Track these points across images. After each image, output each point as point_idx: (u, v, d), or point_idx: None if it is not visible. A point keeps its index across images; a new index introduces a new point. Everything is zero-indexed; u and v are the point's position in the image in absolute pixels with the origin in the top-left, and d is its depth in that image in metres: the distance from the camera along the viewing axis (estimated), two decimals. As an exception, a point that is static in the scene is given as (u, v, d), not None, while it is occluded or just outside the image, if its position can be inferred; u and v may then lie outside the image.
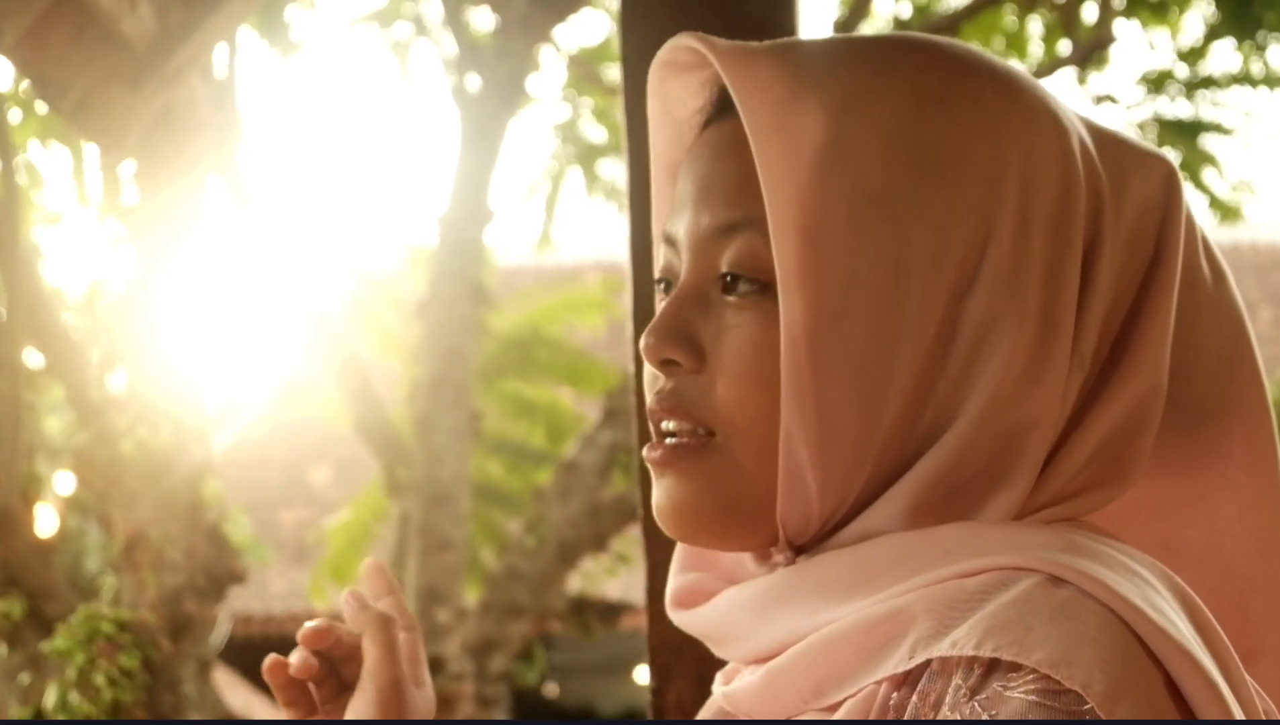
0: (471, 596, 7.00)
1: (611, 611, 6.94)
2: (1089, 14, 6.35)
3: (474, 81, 6.87)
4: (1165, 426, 0.93)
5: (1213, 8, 6.19)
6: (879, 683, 0.82)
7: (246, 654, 10.03)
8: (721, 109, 0.95)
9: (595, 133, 8.39)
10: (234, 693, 8.17)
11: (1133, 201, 0.92)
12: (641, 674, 14.14)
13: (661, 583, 1.67)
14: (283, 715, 1.02)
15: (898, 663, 0.81)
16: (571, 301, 8.68)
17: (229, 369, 6.73)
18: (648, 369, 0.93)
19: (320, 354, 6.65)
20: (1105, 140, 0.93)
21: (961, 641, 0.78)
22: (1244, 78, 6.30)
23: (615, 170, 8.45)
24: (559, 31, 7.19)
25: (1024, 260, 0.86)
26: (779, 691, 0.87)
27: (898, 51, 0.90)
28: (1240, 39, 6.14)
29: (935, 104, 0.88)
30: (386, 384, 7.68)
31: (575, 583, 7.03)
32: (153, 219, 4.68)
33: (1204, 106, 6.39)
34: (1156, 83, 6.38)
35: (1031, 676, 0.76)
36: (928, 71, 0.89)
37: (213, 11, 2.71)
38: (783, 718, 0.88)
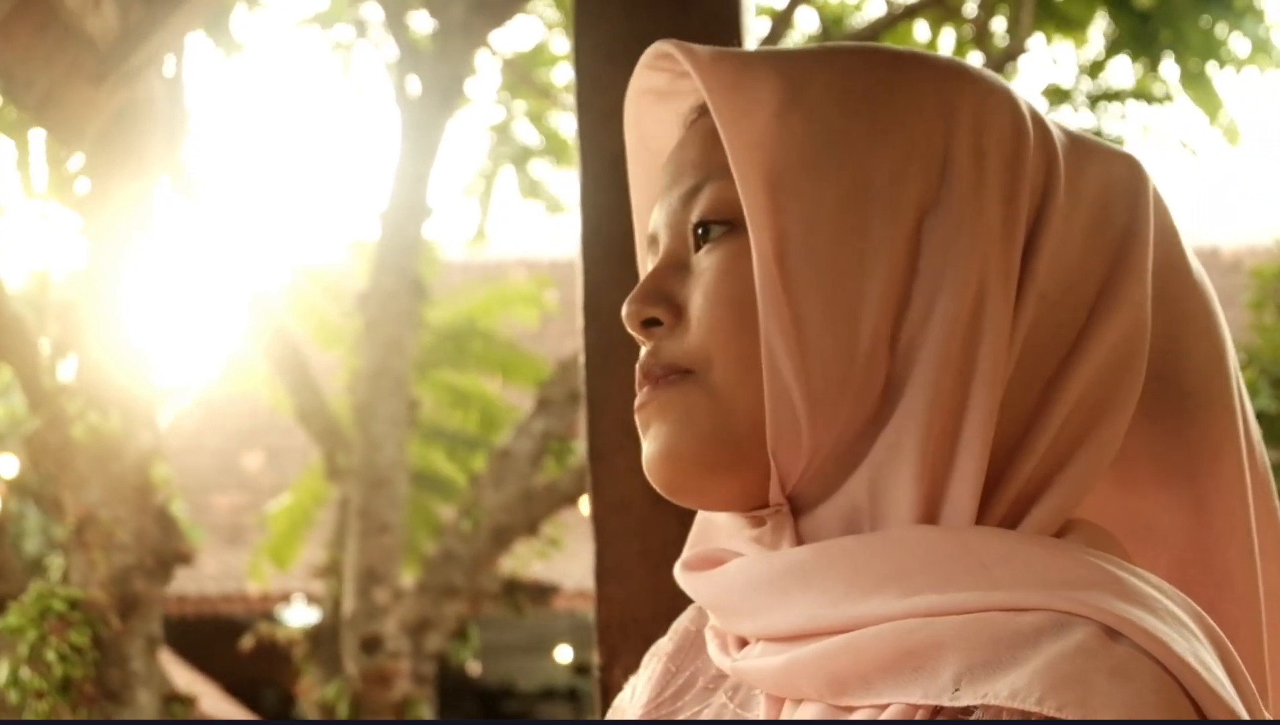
0: (408, 578, 7.11)
1: (541, 593, 7.05)
2: (998, 26, 6.56)
3: (414, 83, 6.98)
4: (1157, 409, 0.93)
5: (1113, 24, 6.42)
6: (915, 706, 0.79)
7: (181, 633, 10.15)
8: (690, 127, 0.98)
9: (528, 135, 8.50)
10: (172, 670, 8.29)
11: (1095, 176, 0.92)
12: (561, 653, 14.31)
13: (609, 563, 1.80)
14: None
15: (939, 691, 0.78)
16: (505, 296, 8.79)
17: (170, 356, 6.81)
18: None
19: (261, 343, 6.73)
20: (1068, 132, 0.94)
21: (1022, 693, 0.76)
22: (1141, 93, 6.52)
23: (545, 171, 8.55)
24: (496, 36, 7.30)
25: (981, 184, 0.87)
26: (796, 678, 0.85)
27: (842, 45, 0.94)
28: (1136, 56, 6.37)
29: (884, 65, 0.91)
30: (325, 373, 7.81)
31: (507, 565, 7.17)
32: (105, 210, 4.77)
33: (1107, 120, 6.61)
34: (1060, 95, 6.61)
35: None
36: (875, 50, 0.93)
37: (174, 10, 2.77)
38: (795, 700, 0.86)
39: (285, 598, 11.02)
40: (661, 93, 1.00)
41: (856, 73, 0.90)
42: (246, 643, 7.08)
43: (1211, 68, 6.43)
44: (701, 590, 0.92)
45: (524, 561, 7.11)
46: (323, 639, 6.88)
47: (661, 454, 0.90)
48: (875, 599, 0.82)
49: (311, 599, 10.57)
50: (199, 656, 11.01)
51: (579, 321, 1.83)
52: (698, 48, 0.91)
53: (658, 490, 0.92)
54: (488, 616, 7.31)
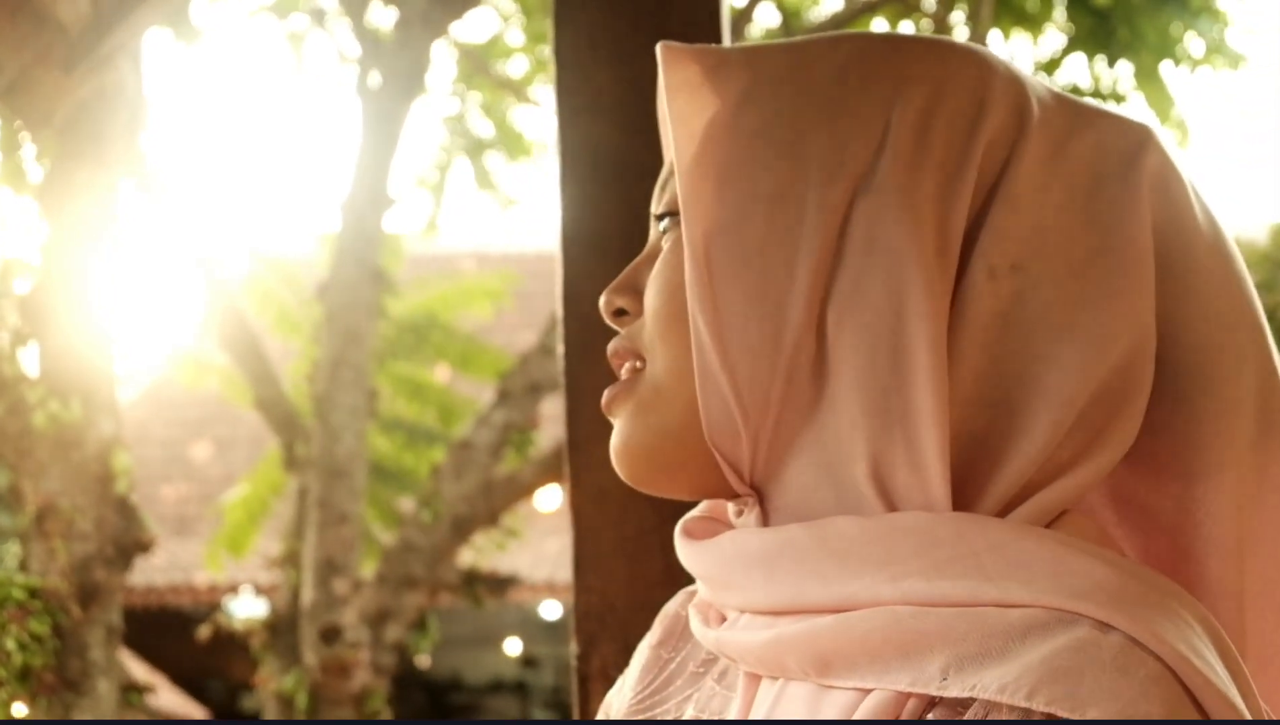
0: (366, 569, 7.11)
1: (500, 584, 7.07)
2: (957, 21, 6.61)
3: (375, 74, 6.97)
4: (1156, 386, 0.89)
5: (1071, 21, 6.48)
6: (904, 695, 0.79)
7: (129, 624, 10.08)
8: None
9: (483, 127, 8.51)
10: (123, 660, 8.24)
11: (1086, 145, 0.89)
12: (510, 646, 14.30)
13: (587, 553, 1.83)
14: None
15: (927, 680, 0.78)
16: (465, 289, 8.80)
17: (125, 345, 6.79)
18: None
19: (220, 332, 6.71)
20: (1065, 100, 0.92)
21: (1011, 688, 0.75)
22: (1095, 92, 6.58)
23: (499, 165, 8.56)
24: (456, 27, 7.32)
25: (919, 157, 0.86)
26: (782, 655, 0.84)
27: (831, 34, 0.94)
28: (1093, 54, 6.43)
29: (852, 50, 0.90)
30: (282, 363, 7.79)
31: (466, 557, 7.19)
32: (67, 198, 4.75)
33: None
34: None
35: None
36: (851, 37, 0.92)
37: (144, -1, 2.68)
38: (773, 678, 0.86)
39: (233, 589, 10.98)
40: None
41: (819, 60, 0.89)
42: (204, 633, 7.06)
43: (1166, 66, 6.50)
44: (694, 559, 0.92)
45: (484, 553, 7.12)
46: (280, 629, 6.87)
47: (617, 448, 0.92)
48: (866, 581, 0.82)
49: (260, 590, 10.55)
50: (145, 648, 10.94)
51: (558, 311, 1.83)
52: (678, 46, 0.92)
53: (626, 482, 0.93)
54: (435, 608, 7.30)
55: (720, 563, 0.89)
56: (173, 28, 6.53)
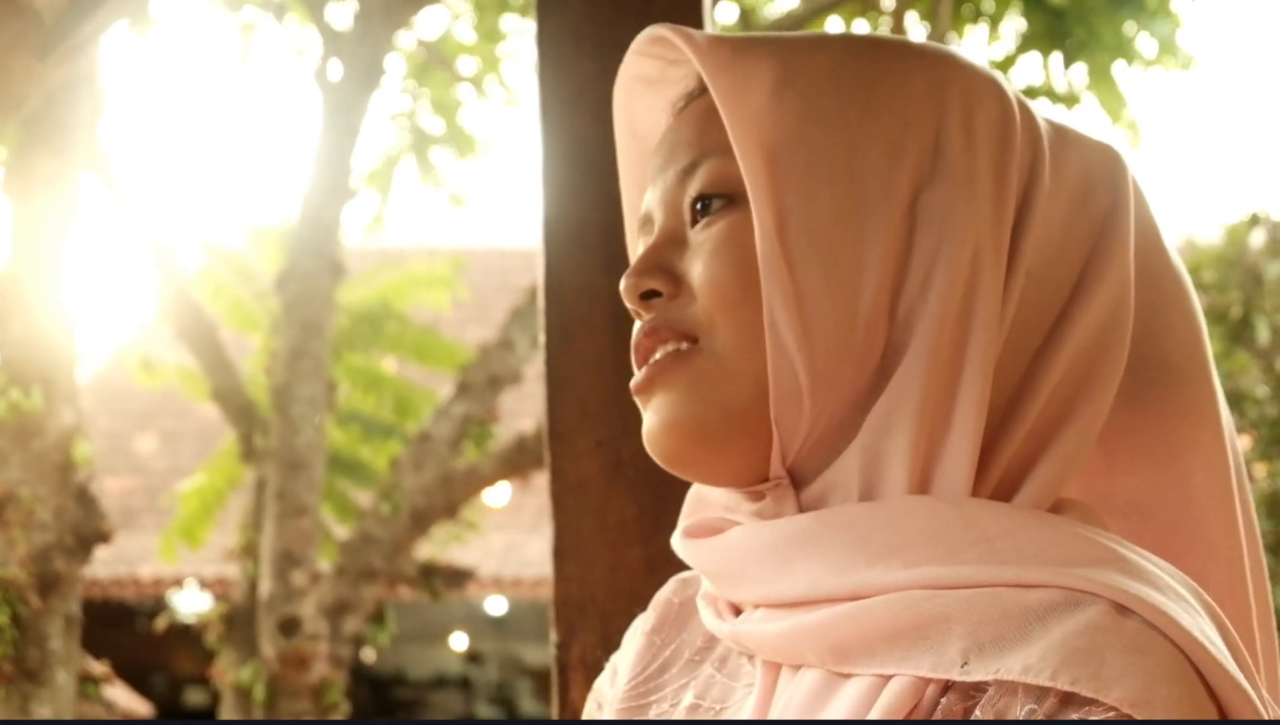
0: (323, 562, 7.09)
1: (457, 577, 7.08)
2: (913, 21, 6.64)
3: (334, 66, 6.96)
4: (1140, 388, 0.95)
5: (1027, 20, 6.52)
6: (925, 680, 0.80)
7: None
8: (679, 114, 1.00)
9: (433, 123, 8.50)
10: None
11: (1076, 161, 0.95)
12: (456, 641, 14.27)
13: (567, 542, 1.82)
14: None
15: (948, 665, 0.79)
16: (417, 279, 8.79)
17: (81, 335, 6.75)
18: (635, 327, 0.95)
19: (174, 323, 6.70)
20: (1048, 120, 0.97)
21: (1035, 668, 0.76)
22: (1048, 92, 6.64)
23: (447, 162, 8.56)
24: (415, 20, 7.30)
25: (973, 163, 0.89)
26: (799, 644, 0.85)
27: (830, 34, 0.97)
28: (1047, 53, 6.49)
29: (874, 50, 0.93)
30: (236, 355, 7.76)
31: (423, 550, 7.19)
32: (29, 187, 4.74)
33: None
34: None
35: (1112, 713, 0.75)
36: (865, 38, 0.96)
37: (120, -14, 2.69)
38: (793, 667, 0.87)
39: (178, 583, 10.92)
40: (652, 80, 1.01)
41: (847, 57, 0.92)
42: (160, 625, 7.03)
43: (1120, 67, 6.56)
44: (702, 557, 0.92)
45: (441, 546, 7.12)
46: (237, 622, 6.85)
47: (665, 424, 0.90)
48: (880, 568, 0.82)
49: (204, 584, 10.50)
50: (88, 640, 10.87)
51: (540, 301, 1.82)
52: (694, 32, 0.93)
53: (659, 462, 0.91)
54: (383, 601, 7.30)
55: (731, 559, 0.90)
56: (129, 18, 6.47)
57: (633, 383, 0.93)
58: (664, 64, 1.00)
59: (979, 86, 0.92)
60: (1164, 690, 0.75)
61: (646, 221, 0.97)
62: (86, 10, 2.91)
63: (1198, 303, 1.00)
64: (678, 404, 0.90)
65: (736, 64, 0.90)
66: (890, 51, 0.93)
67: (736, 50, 0.91)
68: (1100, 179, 0.95)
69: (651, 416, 0.91)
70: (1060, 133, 0.96)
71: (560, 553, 1.77)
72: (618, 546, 1.80)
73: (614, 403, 1.75)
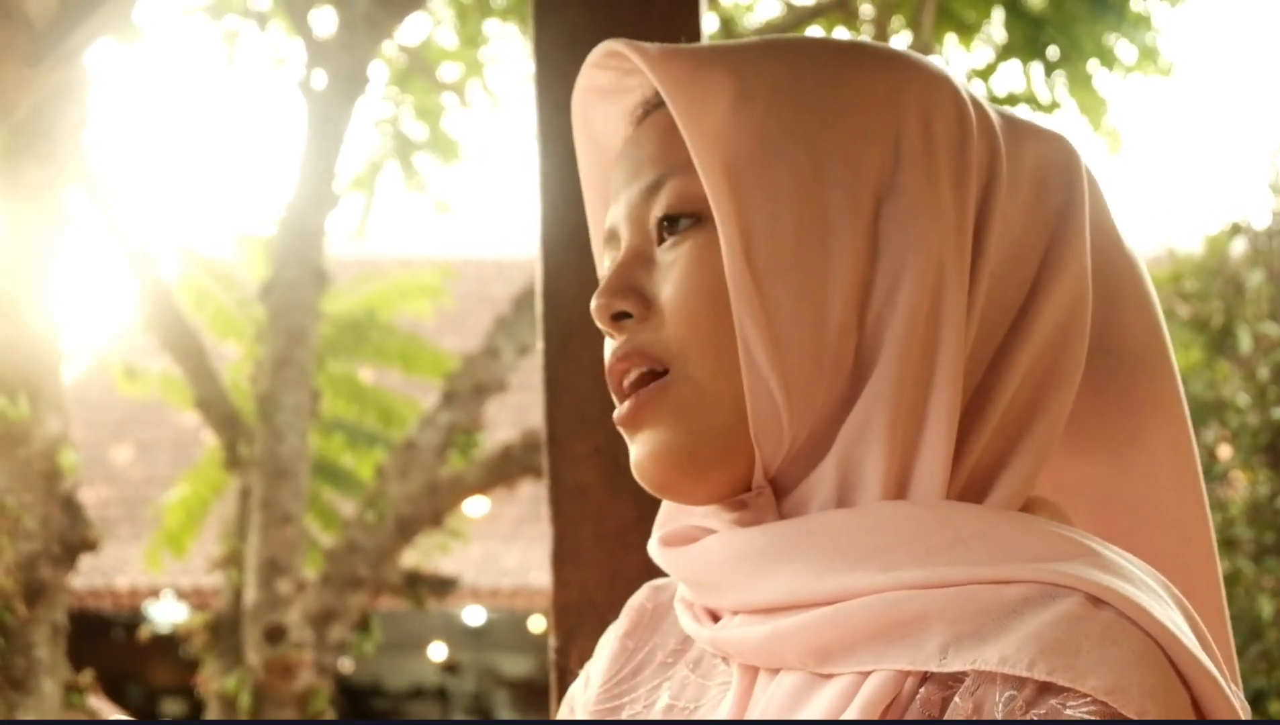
0: (308, 570, 7.06)
1: (442, 586, 7.07)
2: (897, 27, 6.66)
3: (319, 74, 6.95)
4: (1102, 379, 0.97)
5: (1007, 29, 6.53)
6: (904, 674, 0.81)
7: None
8: (638, 124, 0.99)
9: (416, 130, 8.48)
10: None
11: (1031, 155, 0.95)
12: (435, 651, 14.22)
13: (566, 548, 1.81)
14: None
15: (926, 659, 0.80)
16: (403, 288, 8.77)
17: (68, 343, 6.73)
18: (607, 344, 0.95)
19: (158, 331, 6.68)
20: (1002, 114, 0.97)
21: (1012, 659, 0.78)
22: (1029, 99, 6.65)
23: (431, 168, 8.53)
24: (398, 29, 7.29)
25: (933, 168, 0.90)
26: (780, 649, 0.86)
27: (786, 39, 0.96)
28: (1028, 60, 6.49)
29: (831, 56, 0.93)
30: (218, 364, 7.74)
31: (408, 558, 7.18)
32: (15, 194, 4.73)
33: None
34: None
35: (1089, 700, 0.76)
36: (821, 43, 0.95)
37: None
38: (771, 670, 0.88)
39: (154, 593, 10.87)
40: (607, 90, 1.01)
41: (804, 65, 0.92)
42: (144, 634, 7.02)
43: (1100, 74, 6.58)
44: (680, 565, 0.93)
45: (425, 555, 7.11)
46: (221, 630, 6.84)
47: (653, 457, 0.91)
48: (858, 572, 0.83)
49: (181, 594, 10.45)
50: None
51: (538, 308, 1.83)
52: (647, 45, 0.92)
53: (648, 490, 0.92)
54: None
55: (708, 566, 0.91)
56: (118, 25, 6.46)
57: (616, 416, 0.93)
58: (619, 74, 1.00)
59: (934, 89, 0.92)
60: (1139, 678, 0.77)
61: (612, 236, 0.97)
62: (77, 18, 2.92)
63: (1153, 288, 1.01)
64: (664, 436, 0.90)
65: (694, 80, 0.90)
66: (845, 57, 0.93)
67: (693, 65, 0.91)
68: (1054, 172, 0.96)
69: (639, 449, 0.92)
70: (1013, 126, 0.96)
71: (559, 558, 1.78)
72: (616, 552, 1.80)
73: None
